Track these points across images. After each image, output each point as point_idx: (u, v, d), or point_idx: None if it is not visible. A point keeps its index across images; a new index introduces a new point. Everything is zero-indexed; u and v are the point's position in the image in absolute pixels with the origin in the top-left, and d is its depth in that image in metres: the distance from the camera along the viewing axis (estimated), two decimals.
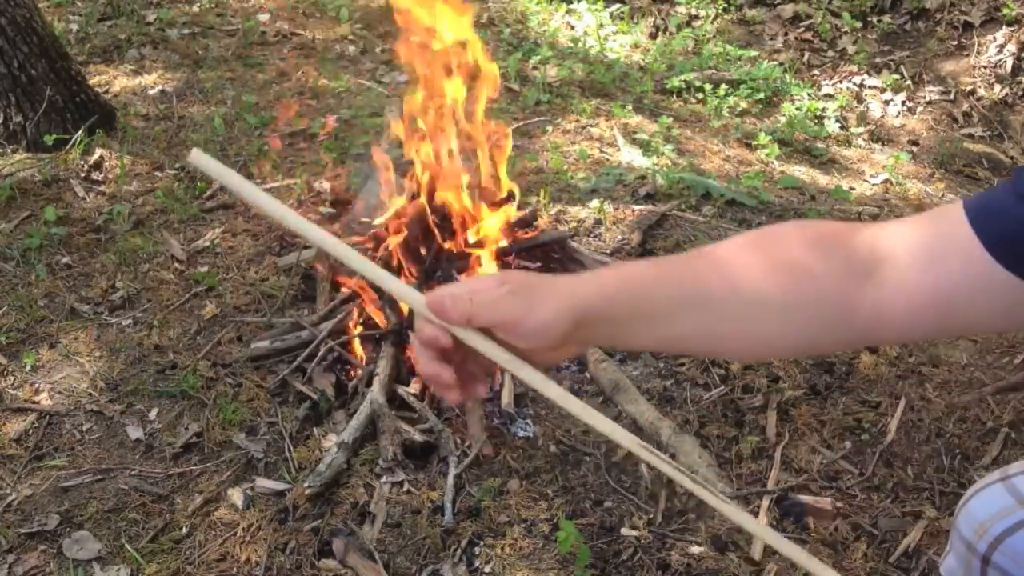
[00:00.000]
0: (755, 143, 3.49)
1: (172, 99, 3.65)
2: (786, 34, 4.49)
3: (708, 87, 3.84)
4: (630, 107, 3.70)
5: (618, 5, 4.69)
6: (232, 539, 1.81)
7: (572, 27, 4.56)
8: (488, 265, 2.29)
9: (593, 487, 1.94)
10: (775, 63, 4.13)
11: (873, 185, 3.33)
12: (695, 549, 1.78)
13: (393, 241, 2.27)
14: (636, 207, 2.91)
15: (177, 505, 1.91)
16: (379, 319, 2.22)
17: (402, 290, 0.78)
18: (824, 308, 0.81)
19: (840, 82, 4.07)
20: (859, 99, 3.95)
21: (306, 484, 1.87)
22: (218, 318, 2.44)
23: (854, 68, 4.15)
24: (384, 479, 1.91)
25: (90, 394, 2.20)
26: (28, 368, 2.28)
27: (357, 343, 2.21)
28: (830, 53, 4.33)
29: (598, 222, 2.83)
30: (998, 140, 3.71)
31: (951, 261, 0.78)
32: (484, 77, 2.18)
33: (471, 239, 2.29)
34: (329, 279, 2.43)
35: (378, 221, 2.37)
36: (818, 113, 3.77)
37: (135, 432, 2.09)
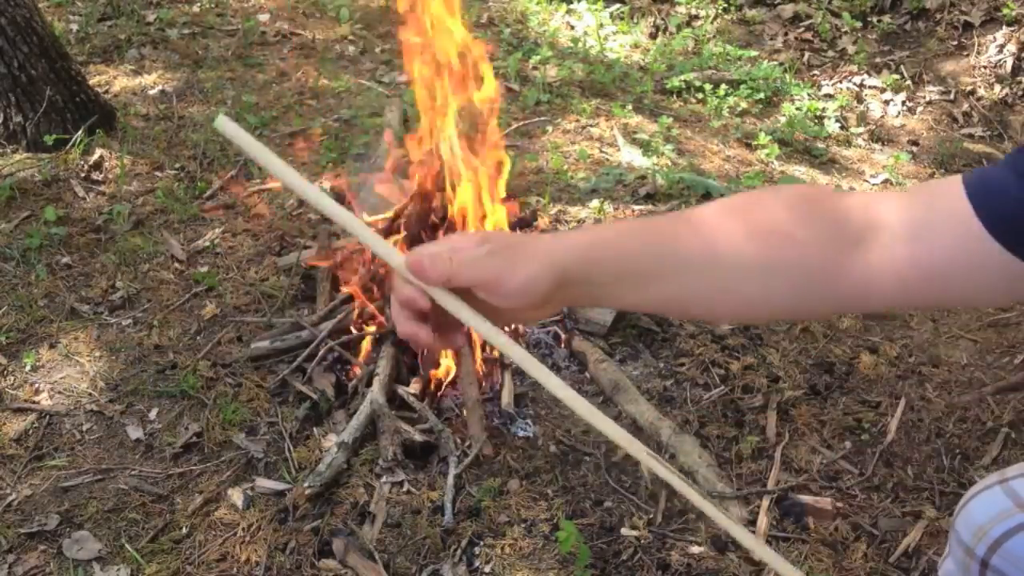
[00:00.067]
0: (755, 143, 3.49)
1: (172, 99, 3.65)
2: (786, 34, 4.49)
3: (708, 87, 3.84)
4: (630, 107, 3.70)
5: (618, 5, 4.68)
6: (232, 539, 1.81)
7: (572, 27, 4.56)
8: None
9: (593, 487, 1.94)
10: (775, 63, 4.13)
11: (873, 185, 3.33)
12: (695, 549, 1.78)
13: (393, 240, 2.27)
14: (636, 207, 2.91)
15: (177, 505, 1.91)
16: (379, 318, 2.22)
17: (383, 249, 0.76)
18: (808, 273, 0.80)
19: (840, 82, 4.07)
20: (859, 99, 3.95)
21: (306, 484, 1.87)
22: (218, 318, 2.44)
23: (854, 68, 4.15)
24: (384, 479, 1.91)
25: (90, 394, 2.20)
26: (28, 368, 2.28)
27: (365, 342, 2.21)
28: (830, 53, 4.33)
29: (598, 222, 2.83)
30: (998, 140, 3.71)
31: (947, 235, 0.77)
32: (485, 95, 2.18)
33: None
34: (329, 279, 2.43)
35: (378, 218, 2.37)
36: (818, 113, 3.77)
37: (135, 432, 2.09)
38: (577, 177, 3.11)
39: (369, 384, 2.09)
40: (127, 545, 1.80)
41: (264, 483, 1.94)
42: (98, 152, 3.20)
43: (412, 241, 2.25)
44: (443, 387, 2.17)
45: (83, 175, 3.10)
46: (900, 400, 2.17)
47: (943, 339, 2.40)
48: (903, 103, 3.91)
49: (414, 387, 2.12)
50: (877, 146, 3.65)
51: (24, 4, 3.16)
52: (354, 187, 2.73)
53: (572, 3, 4.70)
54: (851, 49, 4.29)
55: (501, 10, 4.66)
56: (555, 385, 0.76)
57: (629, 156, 3.29)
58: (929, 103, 3.91)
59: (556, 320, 2.33)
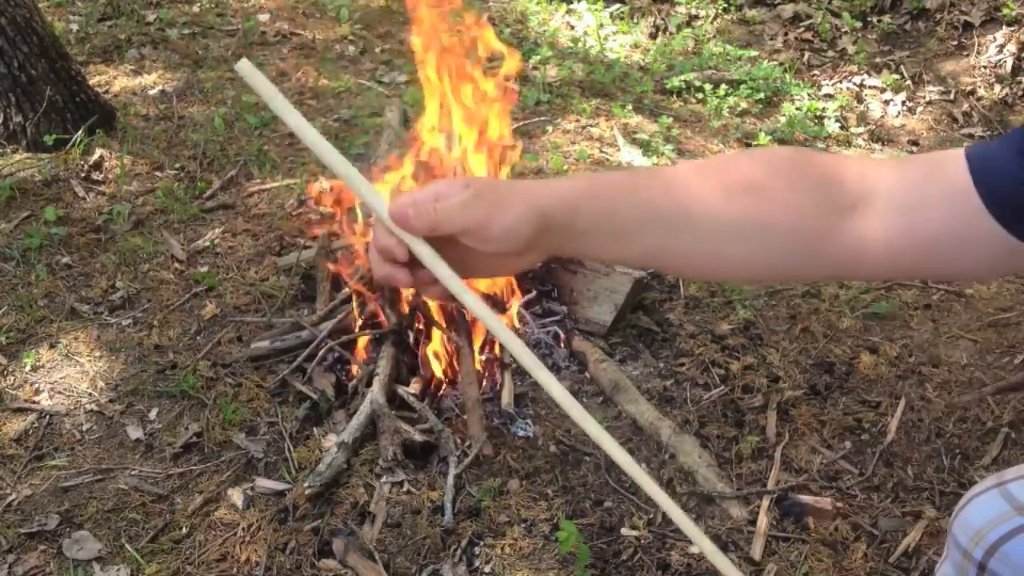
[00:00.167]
0: (755, 143, 3.49)
1: (172, 99, 3.65)
2: (786, 34, 4.49)
3: (708, 87, 3.84)
4: (630, 107, 3.70)
5: (618, 5, 4.68)
6: (232, 539, 1.81)
7: (572, 27, 4.56)
8: None
9: (593, 487, 1.94)
10: (775, 63, 4.13)
11: None
12: (695, 549, 1.78)
13: None
14: None
15: (177, 505, 1.91)
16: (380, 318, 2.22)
17: (374, 199, 0.75)
18: (798, 235, 0.80)
19: (840, 82, 4.07)
20: (859, 99, 3.94)
21: (306, 484, 1.87)
22: (218, 318, 2.44)
23: (854, 68, 4.15)
24: (384, 479, 1.91)
25: (90, 394, 2.20)
26: (28, 368, 2.28)
27: (362, 341, 2.21)
28: (830, 53, 4.33)
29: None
30: None
31: (943, 208, 0.77)
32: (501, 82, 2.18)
33: None
34: (329, 279, 2.43)
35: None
36: (818, 113, 3.77)
37: (135, 432, 2.09)
38: None
39: (369, 384, 2.09)
40: (127, 545, 1.80)
41: (264, 483, 1.94)
42: (98, 152, 3.20)
43: None
44: (443, 387, 2.17)
45: (83, 175, 3.10)
46: (900, 400, 2.17)
47: (943, 339, 2.40)
48: (903, 103, 3.91)
49: (414, 387, 2.12)
50: (877, 146, 3.65)
51: (24, 4, 3.16)
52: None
53: (572, 3, 4.70)
54: (851, 49, 4.28)
55: (501, 10, 4.66)
56: (515, 346, 0.76)
57: (629, 156, 3.29)
58: (929, 103, 3.91)
59: (556, 320, 2.33)
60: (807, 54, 4.32)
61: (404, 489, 1.91)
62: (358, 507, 1.87)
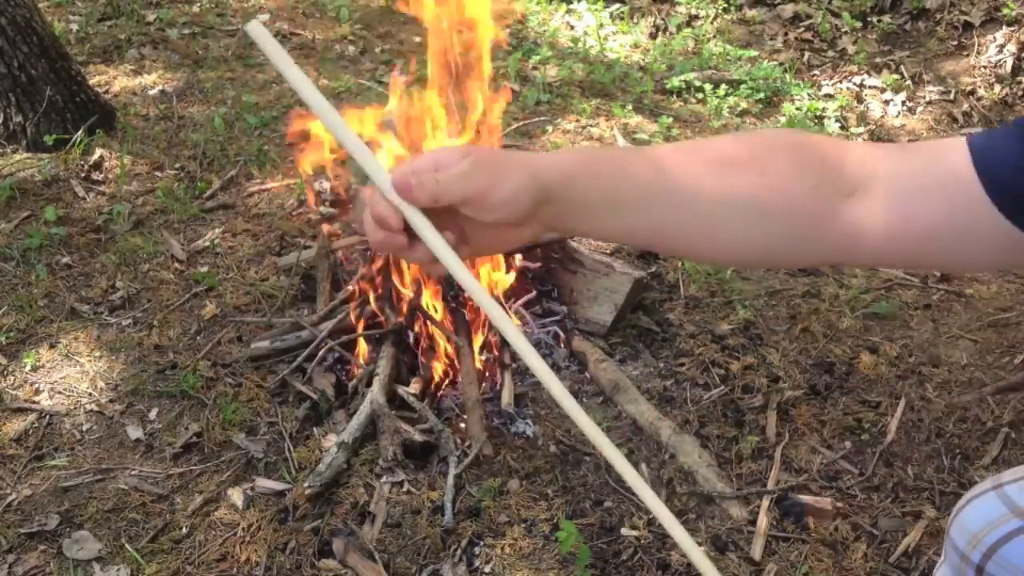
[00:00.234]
0: None
1: (172, 99, 3.65)
2: (786, 34, 4.49)
3: (708, 87, 3.84)
4: (630, 107, 3.70)
5: (618, 5, 4.68)
6: (232, 539, 1.81)
7: (572, 27, 4.56)
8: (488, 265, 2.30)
9: (593, 487, 1.94)
10: (775, 63, 4.13)
11: None
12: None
13: None
14: None
15: (177, 505, 1.91)
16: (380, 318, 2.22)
17: (374, 169, 0.75)
18: (796, 217, 0.79)
19: (840, 82, 4.07)
20: (859, 99, 3.94)
21: (306, 484, 1.87)
22: (218, 318, 2.44)
23: (854, 68, 4.15)
24: (384, 479, 1.91)
25: (90, 394, 2.20)
26: (28, 368, 2.28)
27: (361, 342, 2.21)
28: (830, 53, 4.33)
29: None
30: None
31: (945, 197, 0.76)
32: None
33: None
34: (329, 279, 2.43)
35: None
36: (818, 113, 3.77)
37: (135, 432, 2.09)
38: None
39: (369, 384, 2.09)
40: (127, 545, 1.80)
41: (264, 483, 1.94)
42: (98, 152, 3.20)
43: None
44: (443, 387, 2.17)
45: (83, 175, 3.10)
46: (900, 400, 2.17)
47: (943, 339, 2.40)
48: (903, 103, 3.91)
49: (414, 387, 2.12)
50: None
51: (24, 4, 3.16)
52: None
53: (572, 3, 4.70)
54: (851, 49, 4.28)
55: (501, 10, 4.66)
56: (506, 326, 0.75)
57: None
58: (929, 103, 3.91)
59: (556, 320, 2.33)
60: (807, 54, 4.32)
61: (404, 489, 1.91)
62: (358, 507, 1.87)
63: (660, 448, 2.01)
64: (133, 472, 1.99)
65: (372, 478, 1.92)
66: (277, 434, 2.06)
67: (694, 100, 3.85)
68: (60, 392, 2.21)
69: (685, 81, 3.88)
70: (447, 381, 2.17)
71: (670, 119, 3.57)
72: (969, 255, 0.80)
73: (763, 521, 1.83)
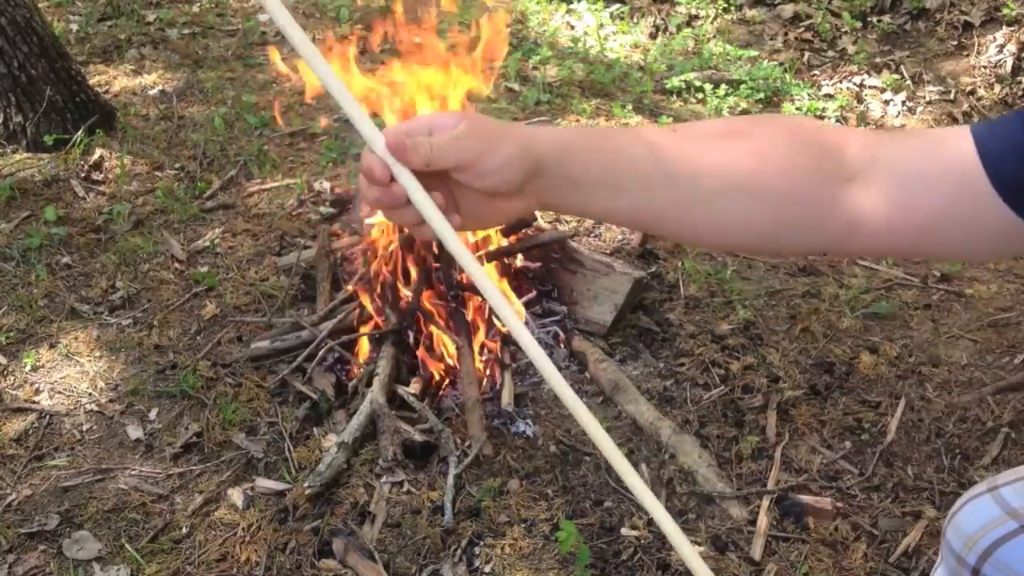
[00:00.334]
0: None
1: (172, 99, 3.65)
2: (786, 34, 4.49)
3: (708, 87, 3.84)
4: (630, 107, 3.70)
5: (618, 5, 4.68)
6: (232, 539, 1.81)
7: (572, 27, 4.56)
8: (489, 265, 2.30)
9: (593, 487, 1.94)
10: (775, 63, 4.13)
11: None
12: (695, 549, 1.77)
13: (394, 240, 2.27)
14: None
15: (177, 505, 1.91)
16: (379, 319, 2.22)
17: (369, 131, 0.75)
18: (794, 201, 0.78)
19: (840, 82, 4.07)
20: (859, 99, 3.94)
21: (306, 484, 1.87)
22: (218, 318, 2.44)
23: (854, 68, 4.15)
24: (384, 479, 1.91)
25: (90, 394, 2.20)
26: (28, 368, 2.28)
27: (364, 342, 2.21)
28: (830, 53, 4.33)
29: (598, 222, 2.83)
30: None
31: (948, 185, 0.76)
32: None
33: (472, 238, 2.29)
34: (329, 279, 2.43)
35: (378, 220, 2.37)
36: (818, 113, 3.77)
37: (135, 432, 2.09)
38: None
39: (369, 384, 2.09)
40: (127, 545, 1.80)
41: (264, 483, 1.94)
42: (98, 152, 3.20)
43: (411, 241, 2.25)
44: (443, 387, 2.17)
45: (83, 175, 3.10)
46: (900, 400, 2.17)
47: (943, 339, 2.40)
48: (903, 103, 3.91)
49: (414, 387, 2.12)
50: None
51: (24, 4, 3.16)
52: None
53: (572, 3, 4.70)
54: (851, 49, 4.28)
55: (501, 10, 4.66)
56: (497, 300, 0.75)
57: None
58: (929, 103, 3.91)
59: (556, 320, 2.33)
60: (807, 54, 4.32)
61: (404, 489, 1.91)
62: (358, 507, 1.87)
63: (660, 448, 2.01)
64: (133, 472, 1.99)
65: (372, 478, 1.92)
66: (277, 434, 2.06)
67: (694, 100, 3.85)
68: (60, 392, 2.21)
69: (685, 81, 3.88)
70: (447, 381, 2.17)
71: (670, 119, 3.56)
72: (969, 244, 0.80)
73: (763, 521, 1.83)
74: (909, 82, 4.03)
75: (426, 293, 2.21)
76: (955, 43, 4.23)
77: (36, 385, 2.23)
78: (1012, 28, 4.06)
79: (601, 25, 4.49)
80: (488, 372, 2.19)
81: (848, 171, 0.78)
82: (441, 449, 1.98)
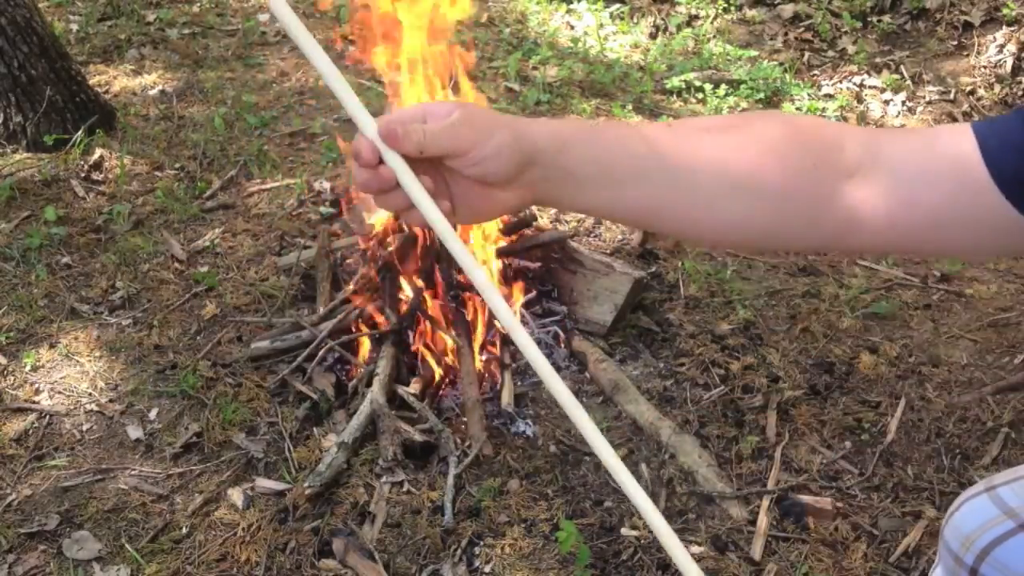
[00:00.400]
0: None
1: (172, 99, 3.65)
2: (786, 34, 4.49)
3: (708, 87, 3.84)
4: (630, 107, 3.70)
5: (618, 5, 4.68)
6: (232, 539, 1.81)
7: (572, 27, 4.56)
8: (488, 266, 2.29)
9: (593, 487, 1.94)
10: (775, 63, 4.13)
11: None
12: (695, 549, 1.78)
13: (393, 240, 2.27)
14: None
15: (177, 505, 1.91)
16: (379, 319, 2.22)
17: (362, 116, 0.75)
18: (794, 198, 0.78)
19: (840, 82, 4.07)
20: (859, 99, 3.94)
21: (306, 484, 1.87)
22: (218, 318, 2.44)
23: (854, 68, 4.15)
24: (384, 479, 1.91)
25: (90, 394, 2.20)
26: (28, 368, 2.28)
27: (365, 342, 2.21)
28: (830, 53, 4.33)
29: (598, 222, 2.83)
30: None
31: (950, 182, 0.76)
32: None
33: (471, 238, 2.29)
34: (329, 279, 2.43)
35: (378, 219, 2.37)
36: (818, 113, 3.77)
37: (135, 432, 2.09)
38: None
39: (369, 384, 2.09)
40: (127, 545, 1.80)
41: (264, 483, 1.94)
42: (98, 152, 3.20)
43: (411, 240, 2.25)
44: (443, 387, 2.17)
45: (83, 175, 3.10)
46: (900, 400, 2.17)
47: (943, 339, 2.40)
48: (903, 103, 3.91)
49: (414, 387, 2.12)
50: None
51: (24, 4, 3.16)
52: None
53: (572, 3, 4.70)
54: (851, 49, 4.28)
55: (501, 10, 4.66)
56: (488, 290, 0.74)
57: None
58: (929, 103, 3.91)
59: (556, 320, 2.33)
60: (807, 54, 4.32)
61: (404, 489, 1.91)
62: (358, 507, 1.87)
63: (660, 448, 2.01)
64: (133, 472, 1.99)
65: (372, 478, 1.92)
66: (277, 434, 2.06)
67: (694, 100, 3.85)
68: (60, 392, 2.21)
69: (685, 81, 3.88)
70: (447, 381, 2.17)
71: (670, 119, 3.56)
72: (970, 241, 0.79)
73: (763, 521, 1.83)
74: (909, 82, 4.03)
75: (426, 293, 2.21)
76: (955, 43, 4.23)
77: (36, 385, 2.23)
78: (1012, 28, 4.06)
79: (601, 25, 4.49)
80: (488, 372, 2.19)
81: (848, 167, 0.78)
82: (441, 449, 1.98)
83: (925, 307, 2.54)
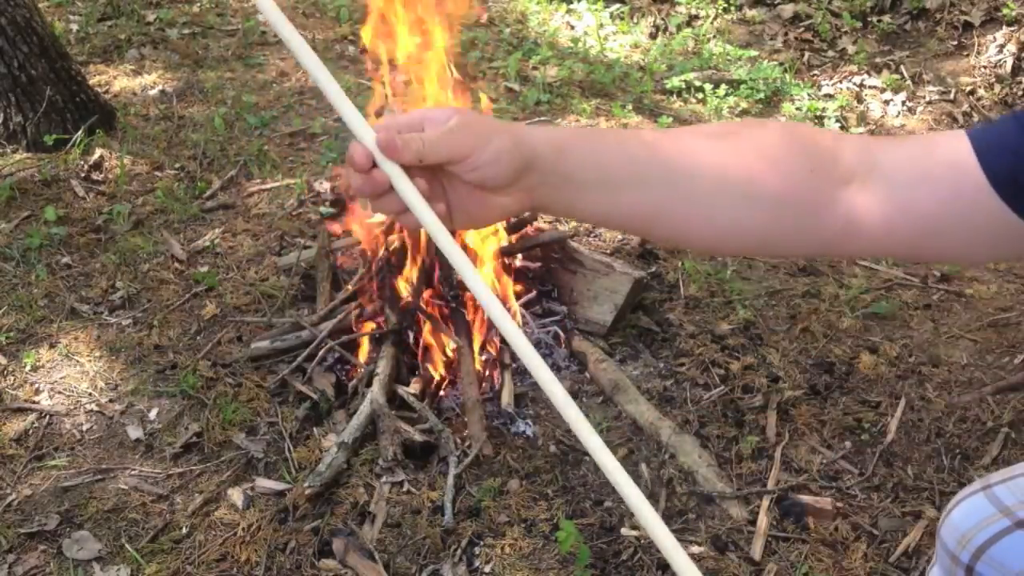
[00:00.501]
0: None
1: (172, 99, 3.65)
2: (786, 34, 4.49)
3: (708, 87, 3.84)
4: (630, 107, 3.70)
5: (618, 5, 4.68)
6: (232, 539, 1.81)
7: (572, 27, 4.56)
8: (487, 266, 2.29)
9: (593, 487, 1.94)
10: (775, 63, 4.13)
11: None
12: (695, 549, 1.78)
13: (393, 241, 2.27)
14: None
15: (177, 505, 1.91)
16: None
17: (359, 125, 0.75)
18: (792, 204, 0.78)
19: (840, 82, 4.07)
20: (859, 99, 3.94)
21: (306, 484, 1.87)
22: (218, 318, 2.44)
23: (854, 68, 4.15)
24: (384, 479, 1.91)
25: (90, 394, 2.20)
26: (28, 368, 2.28)
27: (365, 342, 2.21)
28: (830, 53, 4.33)
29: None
30: None
31: (946, 186, 0.76)
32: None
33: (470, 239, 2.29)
34: (329, 279, 2.43)
35: (378, 220, 2.37)
36: (818, 113, 3.77)
37: (135, 432, 2.09)
38: None
39: (369, 384, 2.09)
40: (127, 545, 1.80)
41: (264, 483, 1.94)
42: (98, 152, 3.20)
43: (411, 241, 2.25)
44: (443, 387, 2.17)
45: (83, 175, 3.10)
46: (900, 400, 2.17)
47: (943, 339, 2.40)
48: (903, 103, 3.91)
49: (414, 387, 2.12)
50: None
51: (24, 4, 3.16)
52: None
53: (572, 3, 4.70)
54: (851, 49, 4.28)
55: (501, 10, 4.66)
56: (481, 292, 0.74)
57: None
58: (929, 103, 3.91)
59: (556, 320, 2.33)
60: (807, 54, 4.32)
61: (404, 489, 1.91)
62: (358, 507, 1.87)
63: (660, 448, 2.01)
64: (133, 472, 1.99)
65: (372, 478, 1.92)
66: (277, 434, 2.06)
67: (694, 100, 3.85)
68: (60, 392, 2.21)
69: (685, 81, 3.88)
70: (447, 381, 2.17)
71: (670, 119, 3.56)
72: (968, 246, 0.80)
73: (763, 521, 1.83)
74: (909, 82, 4.03)
75: (426, 293, 2.21)
76: (955, 43, 4.23)
77: (36, 385, 2.23)
78: (1012, 28, 4.06)
79: (601, 25, 4.49)
80: (488, 372, 2.19)
81: (844, 173, 0.78)
82: (441, 449, 1.98)
83: (925, 307, 2.54)
